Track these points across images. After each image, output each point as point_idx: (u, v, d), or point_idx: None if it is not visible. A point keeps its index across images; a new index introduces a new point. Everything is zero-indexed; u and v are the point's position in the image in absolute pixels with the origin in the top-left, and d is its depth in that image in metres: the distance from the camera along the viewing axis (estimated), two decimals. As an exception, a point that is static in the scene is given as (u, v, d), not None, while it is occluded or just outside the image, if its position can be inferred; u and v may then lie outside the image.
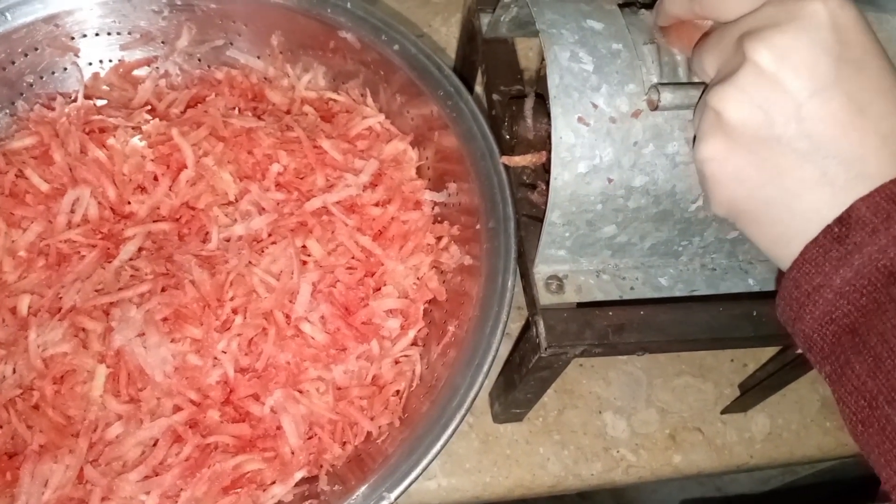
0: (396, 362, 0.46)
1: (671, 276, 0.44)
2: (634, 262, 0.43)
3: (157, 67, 0.54)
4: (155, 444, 0.41)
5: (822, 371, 0.32)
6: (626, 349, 0.43)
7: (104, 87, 0.54)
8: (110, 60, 0.53)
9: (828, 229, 0.30)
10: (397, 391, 0.44)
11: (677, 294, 0.43)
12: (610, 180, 0.39)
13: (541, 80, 0.49)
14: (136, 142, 0.48)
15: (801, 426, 0.54)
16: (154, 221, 0.47)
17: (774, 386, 0.52)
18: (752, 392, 0.53)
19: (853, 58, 0.30)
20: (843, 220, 0.30)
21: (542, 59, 0.50)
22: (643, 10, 0.40)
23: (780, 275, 0.33)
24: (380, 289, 0.46)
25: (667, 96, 0.36)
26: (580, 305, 0.42)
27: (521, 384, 0.46)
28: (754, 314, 0.43)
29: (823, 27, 0.30)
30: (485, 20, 0.50)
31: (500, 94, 0.49)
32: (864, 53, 0.31)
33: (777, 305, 0.33)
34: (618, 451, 0.51)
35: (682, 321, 0.43)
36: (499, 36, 0.50)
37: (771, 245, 0.33)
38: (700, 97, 0.36)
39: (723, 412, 0.54)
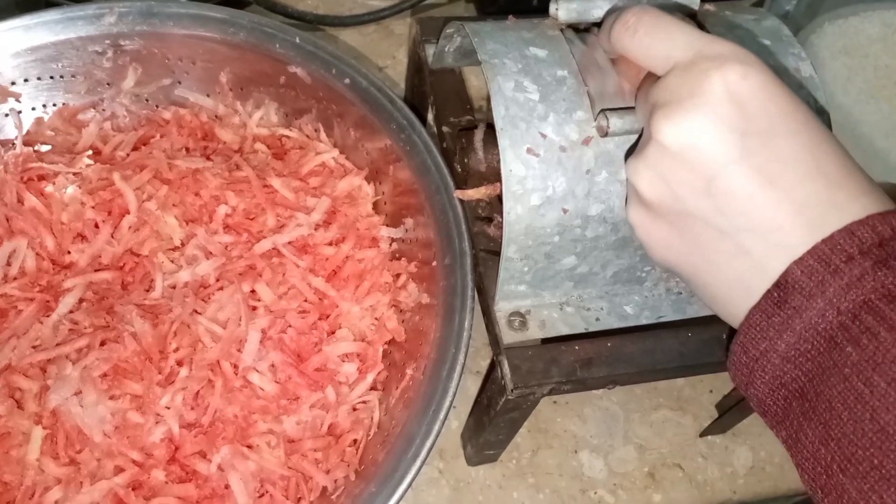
0: (354, 409, 0.43)
1: (636, 303, 0.42)
2: (598, 292, 0.42)
3: (104, 109, 0.53)
4: (96, 510, 0.39)
5: (779, 436, 0.31)
6: (596, 384, 0.41)
7: (48, 132, 0.52)
8: (54, 104, 0.51)
9: (768, 294, 0.30)
10: (354, 440, 0.42)
11: (644, 322, 0.42)
12: (565, 210, 0.37)
13: (490, 110, 0.48)
14: (76, 188, 0.46)
15: (785, 458, 0.51)
16: (96, 271, 0.45)
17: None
18: (731, 412, 0.51)
19: (759, 129, 0.30)
20: (781, 285, 0.29)
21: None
22: (586, 33, 0.39)
23: (730, 337, 0.33)
24: (334, 332, 0.44)
25: (616, 122, 0.35)
26: (545, 341, 0.41)
27: (490, 426, 0.44)
28: (724, 337, 0.41)
29: (723, 103, 0.30)
30: (430, 50, 0.49)
31: (450, 126, 0.47)
32: (771, 123, 0.30)
33: (729, 370, 0.33)
34: (595, 493, 0.49)
35: (651, 350, 0.41)
36: (445, 66, 0.49)
37: (711, 304, 0.34)
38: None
39: (702, 435, 0.52)
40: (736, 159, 0.30)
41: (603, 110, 0.35)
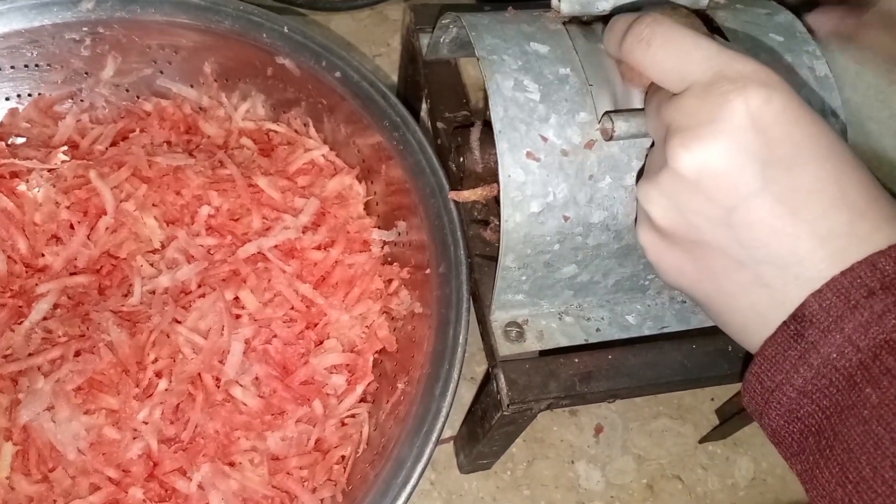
0: (342, 423, 0.41)
1: (639, 312, 0.40)
2: (599, 301, 0.40)
3: (82, 100, 0.50)
4: (70, 529, 0.37)
5: (793, 469, 0.29)
6: (596, 398, 0.39)
7: (24, 125, 0.49)
8: (29, 94, 0.49)
9: (784, 326, 0.28)
10: (342, 457, 0.40)
11: (646, 333, 0.40)
12: (566, 218, 0.35)
13: (488, 106, 0.46)
14: (50, 187, 0.44)
15: (787, 469, 0.50)
16: (71, 274, 0.42)
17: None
18: (732, 420, 0.50)
19: (782, 157, 0.28)
20: (798, 317, 0.28)
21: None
22: (589, 27, 0.37)
23: (745, 364, 0.32)
24: (322, 342, 0.42)
25: (621, 125, 0.32)
26: (543, 353, 0.39)
27: (484, 438, 0.42)
28: (729, 350, 0.40)
29: (745, 130, 0.27)
30: (424, 40, 0.46)
31: (445, 122, 0.45)
32: (795, 149, 0.28)
33: (742, 398, 0.31)
34: (592, 506, 0.47)
35: (653, 363, 0.39)
36: (440, 57, 0.46)
37: (723, 328, 0.33)
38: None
39: (701, 441, 0.51)
40: (757, 190, 0.28)
41: (608, 112, 0.33)
